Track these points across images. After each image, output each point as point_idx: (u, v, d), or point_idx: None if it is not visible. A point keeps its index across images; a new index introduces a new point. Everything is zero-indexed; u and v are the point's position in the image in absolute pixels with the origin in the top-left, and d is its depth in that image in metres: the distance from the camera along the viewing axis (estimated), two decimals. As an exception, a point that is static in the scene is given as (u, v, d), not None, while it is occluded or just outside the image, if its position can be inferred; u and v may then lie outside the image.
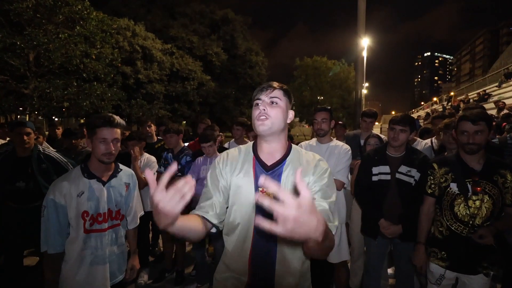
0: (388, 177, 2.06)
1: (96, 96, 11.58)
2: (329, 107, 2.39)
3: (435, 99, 33.72)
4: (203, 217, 1.10)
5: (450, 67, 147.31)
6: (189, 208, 1.84)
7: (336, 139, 2.47)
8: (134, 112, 20.00)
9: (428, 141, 3.11)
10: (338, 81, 30.98)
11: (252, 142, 1.22)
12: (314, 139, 2.44)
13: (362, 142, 3.12)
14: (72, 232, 1.44)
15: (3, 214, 2.39)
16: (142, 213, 1.82)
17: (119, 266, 1.61)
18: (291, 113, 1.17)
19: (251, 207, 1.09)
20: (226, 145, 3.39)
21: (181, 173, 2.74)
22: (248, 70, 27.97)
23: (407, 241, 2.00)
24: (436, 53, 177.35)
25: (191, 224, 1.01)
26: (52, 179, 2.51)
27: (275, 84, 1.14)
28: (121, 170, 1.63)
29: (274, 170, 1.11)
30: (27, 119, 11.05)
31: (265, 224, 0.63)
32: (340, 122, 4.13)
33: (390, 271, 2.95)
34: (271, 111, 1.08)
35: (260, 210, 1.05)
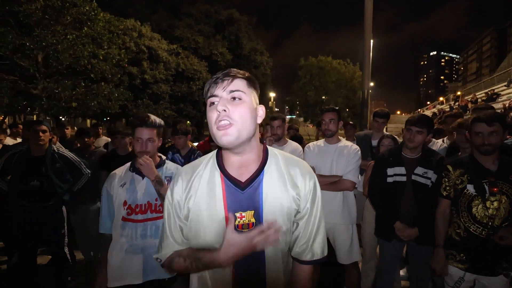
0: (404, 178, 2.03)
1: (103, 96, 11.67)
2: (337, 108, 2.40)
3: (441, 98, 33.34)
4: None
5: (457, 67, 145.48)
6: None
7: (346, 140, 2.46)
8: (140, 112, 20.12)
9: (440, 141, 3.07)
10: (343, 81, 30.79)
11: (214, 152, 0.95)
12: (322, 140, 2.43)
13: (373, 142, 3.10)
14: (116, 218, 1.57)
15: (17, 213, 2.42)
16: None
17: None
18: (261, 109, 0.90)
19: (220, 239, 0.83)
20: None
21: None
22: (253, 70, 27.93)
23: (423, 243, 1.98)
24: (442, 52, 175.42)
25: None
26: (66, 178, 2.55)
27: (234, 71, 0.84)
28: (165, 164, 1.70)
29: (251, 185, 0.87)
30: (34, 119, 11.19)
31: None
32: (350, 123, 4.12)
33: (402, 273, 2.93)
34: (235, 111, 0.80)
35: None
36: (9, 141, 4.36)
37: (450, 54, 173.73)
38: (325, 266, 2.41)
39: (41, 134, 2.39)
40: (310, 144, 2.49)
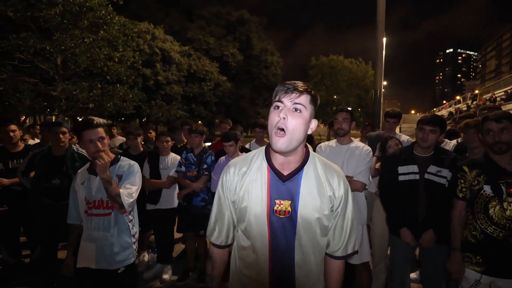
0: (417, 177, 2.01)
1: (118, 97, 12.04)
2: (350, 108, 2.40)
3: (458, 97, 32.27)
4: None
5: (474, 64, 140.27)
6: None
7: (360, 140, 2.46)
8: (154, 113, 20.56)
9: (454, 141, 3.02)
10: (355, 80, 30.38)
11: (264, 147, 1.11)
12: (334, 141, 2.43)
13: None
14: (80, 211, 1.79)
15: (39, 210, 2.55)
16: (129, 200, 1.74)
17: (113, 253, 1.72)
18: (314, 123, 1.03)
19: (264, 220, 1.01)
20: (247, 146, 3.43)
21: (208, 171, 2.83)
22: (264, 70, 27.99)
23: (437, 243, 1.95)
24: (459, 50, 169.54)
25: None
26: None
27: (302, 86, 0.96)
28: (119, 162, 1.82)
29: (291, 179, 1.02)
30: (54, 120, 11.65)
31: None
32: (367, 123, 4.10)
33: (414, 275, 2.88)
34: (292, 121, 0.94)
35: (275, 225, 1.01)
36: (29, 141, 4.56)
37: (468, 52, 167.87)
38: None
39: (61, 136, 2.49)
40: (322, 144, 2.49)
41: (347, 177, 2.18)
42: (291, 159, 1.03)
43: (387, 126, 3.13)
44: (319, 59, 31.56)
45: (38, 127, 5.01)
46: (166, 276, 2.96)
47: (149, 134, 4.10)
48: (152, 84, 20.72)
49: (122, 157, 1.85)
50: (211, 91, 24.01)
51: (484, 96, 22.18)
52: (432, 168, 1.99)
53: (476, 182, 1.69)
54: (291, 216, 1.00)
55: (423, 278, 2.26)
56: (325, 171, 1.06)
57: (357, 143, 2.35)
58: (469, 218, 1.74)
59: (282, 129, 0.93)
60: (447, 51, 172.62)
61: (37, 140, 4.72)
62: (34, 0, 9.33)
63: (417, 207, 2.01)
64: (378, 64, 8.07)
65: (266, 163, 1.05)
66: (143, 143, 4.46)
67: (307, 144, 1.12)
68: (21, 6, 9.24)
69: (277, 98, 0.98)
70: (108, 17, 10.98)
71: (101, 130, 1.69)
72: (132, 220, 1.85)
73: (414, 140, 2.33)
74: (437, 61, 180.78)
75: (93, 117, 1.69)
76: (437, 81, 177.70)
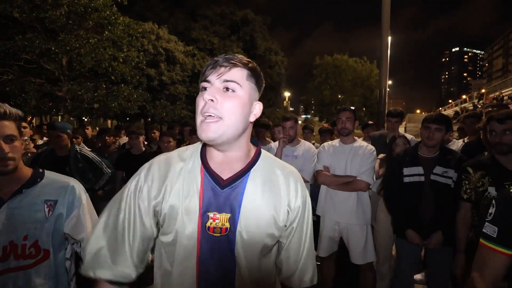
0: (422, 178, 1.99)
1: (123, 97, 12.12)
2: (353, 108, 2.40)
3: (464, 96, 31.90)
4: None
5: (481, 63, 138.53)
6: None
7: (363, 139, 2.45)
8: (158, 113, 20.68)
9: (461, 141, 2.98)
10: (360, 79, 30.22)
11: (200, 144, 0.84)
12: (337, 140, 2.43)
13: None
14: None
15: None
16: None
17: None
18: (258, 106, 0.79)
19: (193, 241, 0.75)
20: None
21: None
22: (268, 70, 27.96)
23: (444, 245, 1.93)
24: (465, 48, 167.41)
25: None
26: (88, 177, 2.67)
27: (236, 58, 0.74)
28: (42, 180, 1.09)
29: (232, 185, 0.77)
30: (59, 120, 11.79)
31: None
32: (370, 122, 4.07)
33: (420, 277, 2.85)
34: (224, 104, 0.71)
35: (207, 246, 0.75)
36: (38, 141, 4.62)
37: (474, 50, 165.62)
38: (338, 267, 2.42)
39: (56, 139, 2.41)
40: (325, 144, 2.48)
41: (350, 176, 2.20)
42: (232, 157, 0.78)
43: (389, 125, 3.12)
44: (323, 58, 31.44)
45: (45, 126, 5.09)
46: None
47: (153, 134, 4.12)
48: (156, 84, 20.83)
49: (47, 171, 1.14)
50: (215, 91, 24.08)
51: (491, 95, 21.88)
52: (438, 169, 1.97)
53: (480, 183, 1.66)
54: (229, 234, 0.75)
55: (429, 280, 2.24)
56: (279, 175, 0.82)
57: (360, 142, 2.35)
58: (475, 220, 1.71)
59: (211, 115, 0.70)
60: (453, 50, 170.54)
61: (45, 139, 4.78)
62: (40, 1, 9.43)
63: (423, 209, 1.98)
64: (383, 63, 8.02)
65: (200, 162, 0.79)
66: (146, 143, 4.51)
67: (258, 140, 0.89)
68: (27, 7, 9.34)
69: (203, 77, 0.74)
70: (113, 17, 11.04)
71: (10, 124, 1.01)
72: (70, 254, 1.15)
73: (419, 139, 2.31)
74: (443, 60, 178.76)
75: (2, 104, 1.01)
76: (443, 80, 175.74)
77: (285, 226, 0.82)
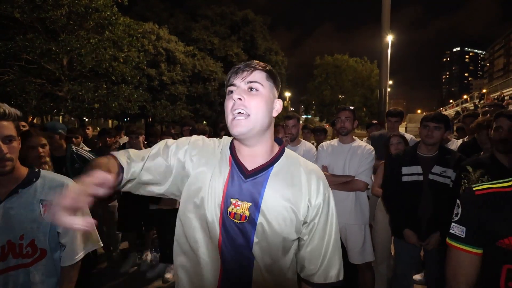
0: (421, 178, 1.99)
1: (123, 97, 12.13)
2: (352, 108, 2.41)
3: (465, 96, 31.85)
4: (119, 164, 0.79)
5: (482, 63, 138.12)
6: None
7: (368, 139, 2.46)
8: (158, 113, 20.70)
9: (461, 141, 2.98)
10: (360, 79, 30.18)
11: (230, 138, 0.94)
12: (336, 140, 2.43)
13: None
14: None
15: None
16: (92, 248, 1.25)
17: None
18: (279, 103, 0.89)
19: (215, 222, 0.82)
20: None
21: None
22: (268, 70, 27.95)
23: (441, 246, 1.93)
24: (466, 48, 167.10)
25: None
26: None
27: (255, 63, 0.85)
28: (37, 180, 1.11)
29: (255, 177, 0.83)
30: (60, 120, 11.78)
31: None
32: (374, 122, 4.08)
33: (419, 277, 2.85)
34: (251, 102, 0.80)
35: (227, 230, 0.81)
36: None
37: (475, 50, 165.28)
38: None
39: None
40: (324, 143, 2.49)
41: (349, 176, 2.19)
42: (257, 151, 0.85)
43: (389, 125, 3.13)
44: (324, 58, 31.43)
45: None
46: (168, 276, 2.97)
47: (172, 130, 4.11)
48: (156, 84, 20.84)
49: (42, 171, 1.15)
50: (215, 91, 24.06)
51: (492, 95, 21.84)
52: (437, 169, 1.97)
53: (480, 182, 1.66)
54: (249, 223, 0.81)
55: (427, 280, 2.23)
56: (301, 172, 0.87)
57: (359, 142, 2.35)
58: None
59: (241, 112, 0.79)
60: (454, 49, 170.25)
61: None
62: (41, 2, 9.44)
63: (421, 208, 1.98)
64: (383, 63, 8.03)
65: (229, 153, 0.89)
66: (145, 142, 4.50)
67: (280, 138, 0.96)
68: (28, 8, 9.35)
69: (229, 83, 0.84)
70: (113, 17, 11.06)
71: (9, 125, 1.00)
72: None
73: (419, 139, 2.31)
74: (444, 60, 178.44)
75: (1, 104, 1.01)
76: (444, 80, 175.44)
77: (306, 222, 0.85)
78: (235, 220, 0.81)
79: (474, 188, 0.97)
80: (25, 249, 1.04)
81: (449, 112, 27.26)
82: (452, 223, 0.99)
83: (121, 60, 11.77)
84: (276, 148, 0.90)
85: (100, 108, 11.73)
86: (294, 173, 0.86)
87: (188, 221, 0.85)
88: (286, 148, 0.92)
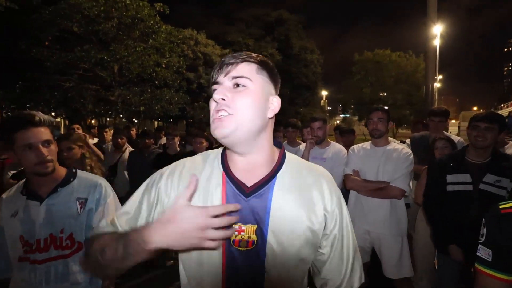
0: (470, 187, 1.77)
1: (165, 100, 13.05)
2: (386, 108, 2.23)
3: (534, 90, 27.67)
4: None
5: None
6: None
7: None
8: (197, 114, 21.76)
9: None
10: (404, 75, 28.07)
11: (221, 149, 0.79)
12: (369, 142, 2.27)
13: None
14: (12, 257, 1.17)
15: None
16: None
17: None
18: (276, 101, 0.73)
19: (217, 257, 0.69)
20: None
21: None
22: (303, 69, 27.55)
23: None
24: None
25: None
26: None
27: (243, 54, 0.71)
28: (74, 180, 1.22)
29: (258, 192, 0.70)
30: (114, 122, 12.99)
31: None
32: (424, 122, 3.75)
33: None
34: (236, 101, 0.67)
35: (233, 262, 0.69)
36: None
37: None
38: (372, 281, 2.25)
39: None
40: (355, 146, 2.35)
41: (383, 182, 2.06)
42: (255, 161, 0.72)
43: (431, 125, 2.79)
44: (363, 54, 29.91)
45: (96, 129, 5.67)
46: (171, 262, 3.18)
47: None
48: (195, 87, 21.88)
49: (79, 171, 1.29)
50: (250, 92, 24.53)
51: None
52: (489, 178, 1.73)
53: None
54: (257, 248, 0.68)
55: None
56: (309, 178, 0.75)
57: (395, 145, 2.18)
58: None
59: (224, 114, 0.66)
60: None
61: (95, 140, 5.34)
62: (95, 16, 10.54)
63: (469, 222, 1.77)
64: (430, 56, 7.34)
65: (222, 171, 0.73)
66: (183, 143, 4.76)
67: (281, 144, 0.82)
68: (84, 22, 10.55)
69: (212, 80, 0.71)
70: (156, 26, 11.94)
71: (46, 130, 1.12)
72: None
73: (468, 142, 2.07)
74: (505, 50, 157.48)
75: (34, 112, 1.13)
76: (505, 72, 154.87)
77: (326, 234, 0.75)
78: (240, 249, 0.68)
79: (501, 206, 0.85)
80: (64, 242, 1.15)
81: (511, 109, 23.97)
82: (479, 245, 0.89)
83: (164, 66, 12.64)
84: (277, 154, 0.77)
85: (145, 110, 12.72)
86: (300, 180, 0.74)
87: (185, 254, 0.73)
88: (285, 152, 0.80)
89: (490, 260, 0.84)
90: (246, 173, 0.72)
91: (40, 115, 1.12)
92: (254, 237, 0.69)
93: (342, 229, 0.77)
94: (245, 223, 0.69)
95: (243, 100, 0.67)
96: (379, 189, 2.05)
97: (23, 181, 1.22)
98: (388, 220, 2.04)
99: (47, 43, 10.86)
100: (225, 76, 0.69)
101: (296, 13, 28.75)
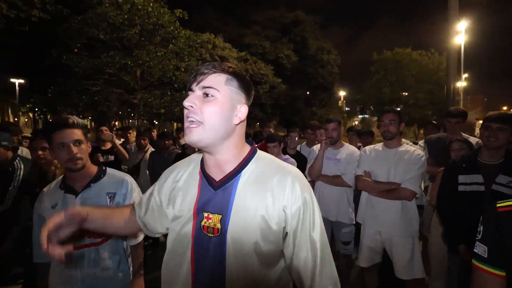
0: (482, 188, 1.79)
1: (184, 103, 13.42)
2: (398, 109, 2.25)
3: None
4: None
5: None
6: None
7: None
8: (214, 116, 22.19)
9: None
10: (426, 74, 27.00)
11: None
12: (381, 144, 2.29)
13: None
14: None
15: None
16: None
17: None
18: (243, 109, 0.81)
19: (187, 237, 0.81)
20: (297, 148, 3.52)
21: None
22: (320, 70, 27.29)
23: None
24: None
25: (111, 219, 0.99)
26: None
27: (215, 65, 0.78)
28: (104, 177, 1.39)
29: (224, 186, 0.80)
30: (136, 124, 13.55)
31: None
32: (434, 122, 3.69)
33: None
34: (203, 109, 0.75)
35: (200, 245, 0.79)
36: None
37: None
38: (383, 282, 2.26)
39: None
40: (367, 147, 2.38)
41: (394, 184, 2.08)
42: (221, 160, 0.81)
43: (448, 127, 2.75)
44: (382, 53, 29.11)
45: (118, 130, 6.02)
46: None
47: None
48: (213, 89, 22.34)
49: (108, 168, 1.45)
50: (266, 94, 24.56)
51: None
52: (502, 178, 1.74)
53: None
54: (221, 237, 0.77)
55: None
56: (274, 175, 0.81)
57: (407, 147, 2.20)
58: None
59: (193, 120, 0.75)
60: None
61: (121, 140, 5.66)
62: (119, 23, 11.12)
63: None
64: (451, 54, 7.00)
65: (199, 166, 0.87)
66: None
67: (253, 140, 0.91)
68: (109, 29, 11.15)
69: (188, 87, 0.81)
70: (176, 31, 12.36)
71: (78, 131, 1.28)
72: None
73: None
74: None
75: (69, 116, 1.30)
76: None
77: (285, 231, 0.79)
78: (208, 234, 0.79)
79: (498, 205, 0.89)
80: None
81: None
82: (476, 241, 0.93)
83: (183, 70, 13.05)
84: (246, 152, 0.84)
85: (165, 112, 13.19)
86: (266, 178, 0.80)
87: (169, 232, 0.89)
88: (258, 151, 0.87)
89: (486, 256, 0.87)
90: (216, 169, 0.83)
91: (74, 118, 1.29)
92: (219, 225, 0.78)
93: (308, 230, 0.80)
94: (213, 212, 0.80)
95: (210, 109, 0.75)
96: (390, 190, 2.08)
97: (61, 176, 1.39)
98: (399, 221, 2.05)
99: (76, 50, 11.57)
100: (197, 85, 0.77)
101: (312, 13, 28.64)
